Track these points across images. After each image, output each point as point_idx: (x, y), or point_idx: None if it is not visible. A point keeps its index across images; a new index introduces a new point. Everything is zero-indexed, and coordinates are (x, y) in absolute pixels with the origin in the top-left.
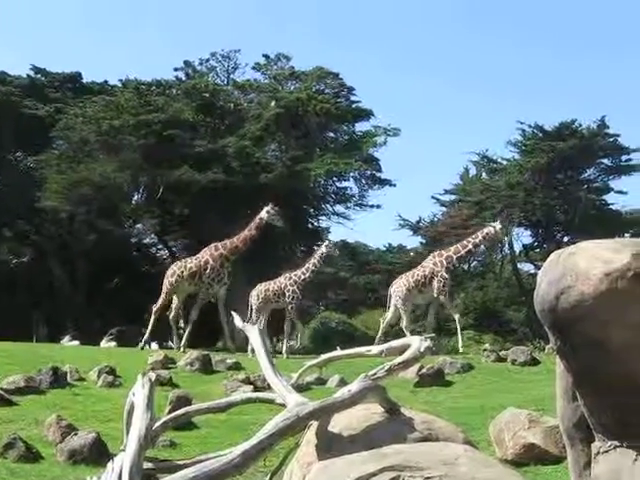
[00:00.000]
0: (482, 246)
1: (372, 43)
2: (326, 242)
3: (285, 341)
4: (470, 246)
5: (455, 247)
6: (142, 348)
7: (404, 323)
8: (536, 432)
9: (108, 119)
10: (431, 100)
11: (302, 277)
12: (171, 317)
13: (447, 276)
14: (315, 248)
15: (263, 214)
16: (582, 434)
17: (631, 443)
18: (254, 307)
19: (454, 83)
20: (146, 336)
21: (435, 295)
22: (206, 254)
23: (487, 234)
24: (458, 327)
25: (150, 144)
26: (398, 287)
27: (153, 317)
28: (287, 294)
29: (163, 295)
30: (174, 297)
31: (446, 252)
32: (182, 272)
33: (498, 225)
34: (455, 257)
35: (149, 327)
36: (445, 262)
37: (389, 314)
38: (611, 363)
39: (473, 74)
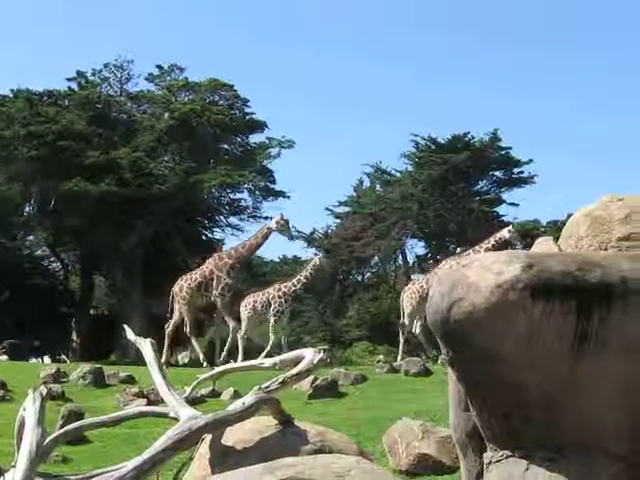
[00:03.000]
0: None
1: (266, 54)
2: (319, 255)
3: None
4: (482, 251)
5: (468, 252)
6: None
7: (417, 330)
8: (429, 442)
9: None
10: (324, 112)
11: (292, 289)
12: (188, 332)
13: None
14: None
15: (272, 224)
16: (475, 444)
17: (522, 453)
18: (245, 319)
19: (347, 96)
20: (164, 357)
21: None
22: (210, 264)
23: (500, 238)
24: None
25: (42, 155)
26: (411, 294)
27: (168, 337)
28: (273, 305)
29: (177, 312)
30: (183, 312)
31: (459, 258)
32: (190, 285)
33: (511, 229)
34: None
35: (165, 347)
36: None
37: (406, 322)
38: (502, 374)
39: (366, 87)
